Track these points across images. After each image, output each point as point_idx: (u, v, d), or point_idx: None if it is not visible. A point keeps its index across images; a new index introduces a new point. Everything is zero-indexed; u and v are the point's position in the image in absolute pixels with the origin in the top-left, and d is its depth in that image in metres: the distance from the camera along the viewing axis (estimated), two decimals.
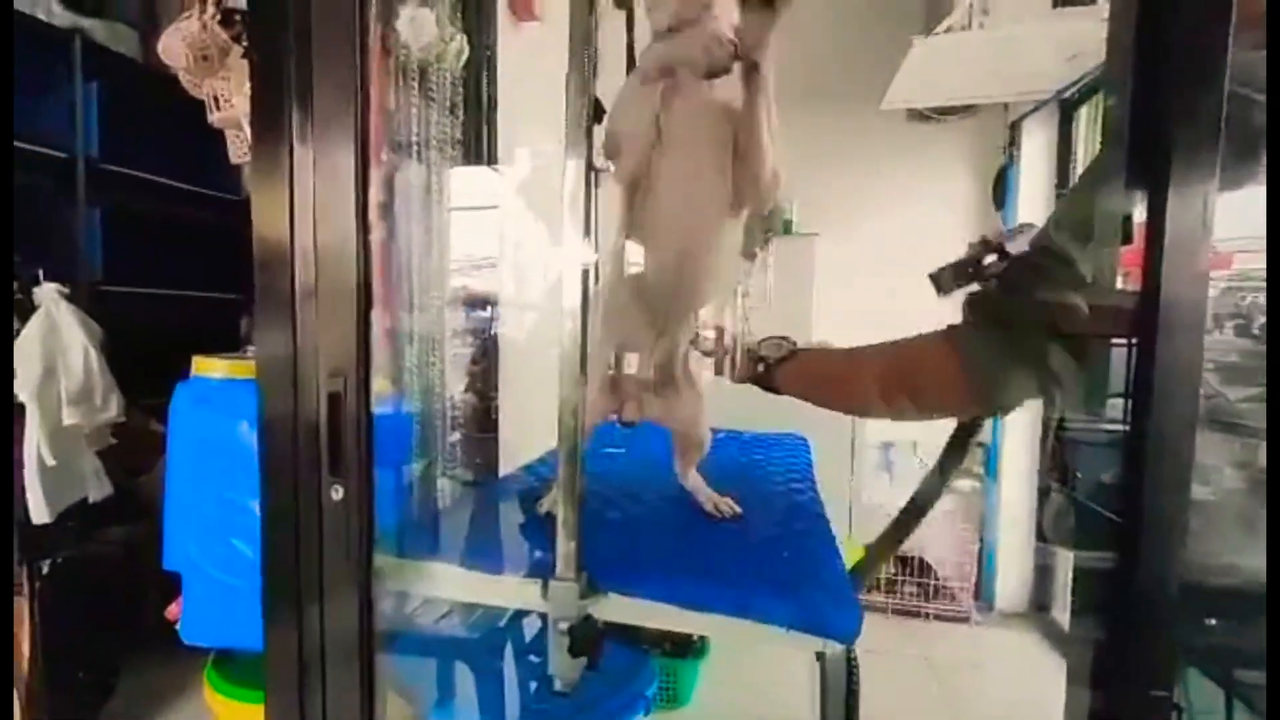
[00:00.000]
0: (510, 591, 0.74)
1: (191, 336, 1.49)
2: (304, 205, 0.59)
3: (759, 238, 2.65)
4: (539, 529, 0.84)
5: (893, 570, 2.62)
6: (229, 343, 1.62)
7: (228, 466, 1.21)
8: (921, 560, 2.65)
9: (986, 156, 2.78)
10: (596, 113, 0.64)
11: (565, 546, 0.66)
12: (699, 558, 0.82)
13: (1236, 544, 0.74)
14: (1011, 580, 2.65)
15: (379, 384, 0.99)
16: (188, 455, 1.29)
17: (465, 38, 0.97)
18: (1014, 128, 2.61)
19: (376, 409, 1.06)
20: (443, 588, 0.78)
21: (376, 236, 1.07)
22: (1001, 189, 2.69)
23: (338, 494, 0.55)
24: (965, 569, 2.64)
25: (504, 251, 1.26)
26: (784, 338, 0.95)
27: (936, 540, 2.61)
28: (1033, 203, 2.53)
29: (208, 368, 1.34)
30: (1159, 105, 0.46)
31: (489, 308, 1.36)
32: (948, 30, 1.89)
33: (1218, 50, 0.46)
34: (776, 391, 0.92)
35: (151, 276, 2.00)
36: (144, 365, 1.56)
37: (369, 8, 0.60)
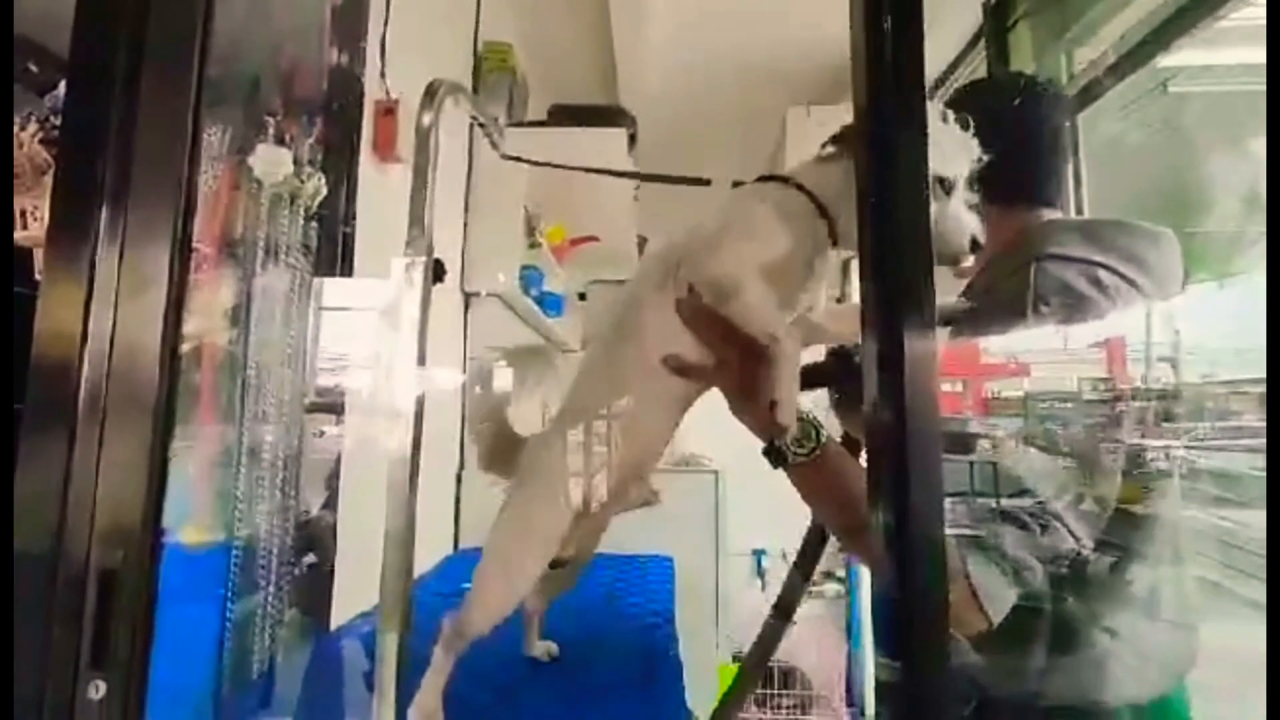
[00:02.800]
0: None
1: None
2: (103, 309, 0.53)
3: None
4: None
5: (767, 686, 2.61)
6: None
7: None
8: (795, 672, 2.67)
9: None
10: (439, 269, 0.68)
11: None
12: (535, 714, 0.78)
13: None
14: None
15: (191, 534, 0.89)
16: None
17: (323, 177, 0.99)
18: (845, 265, 3.02)
19: (192, 550, 0.95)
20: None
21: (209, 355, 1.01)
22: None
23: (97, 691, 0.47)
24: (834, 675, 2.68)
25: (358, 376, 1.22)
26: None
27: (807, 649, 2.66)
28: None
29: None
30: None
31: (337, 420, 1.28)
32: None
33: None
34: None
35: None
36: None
37: (201, 110, 0.59)
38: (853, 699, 2.73)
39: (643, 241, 2.95)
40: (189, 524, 0.89)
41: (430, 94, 0.70)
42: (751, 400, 0.67)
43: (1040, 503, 0.77)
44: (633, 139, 2.15)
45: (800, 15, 2.03)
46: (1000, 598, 0.71)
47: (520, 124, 1.95)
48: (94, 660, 0.47)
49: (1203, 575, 0.87)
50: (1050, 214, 0.83)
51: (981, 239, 0.73)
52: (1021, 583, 0.72)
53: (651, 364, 0.70)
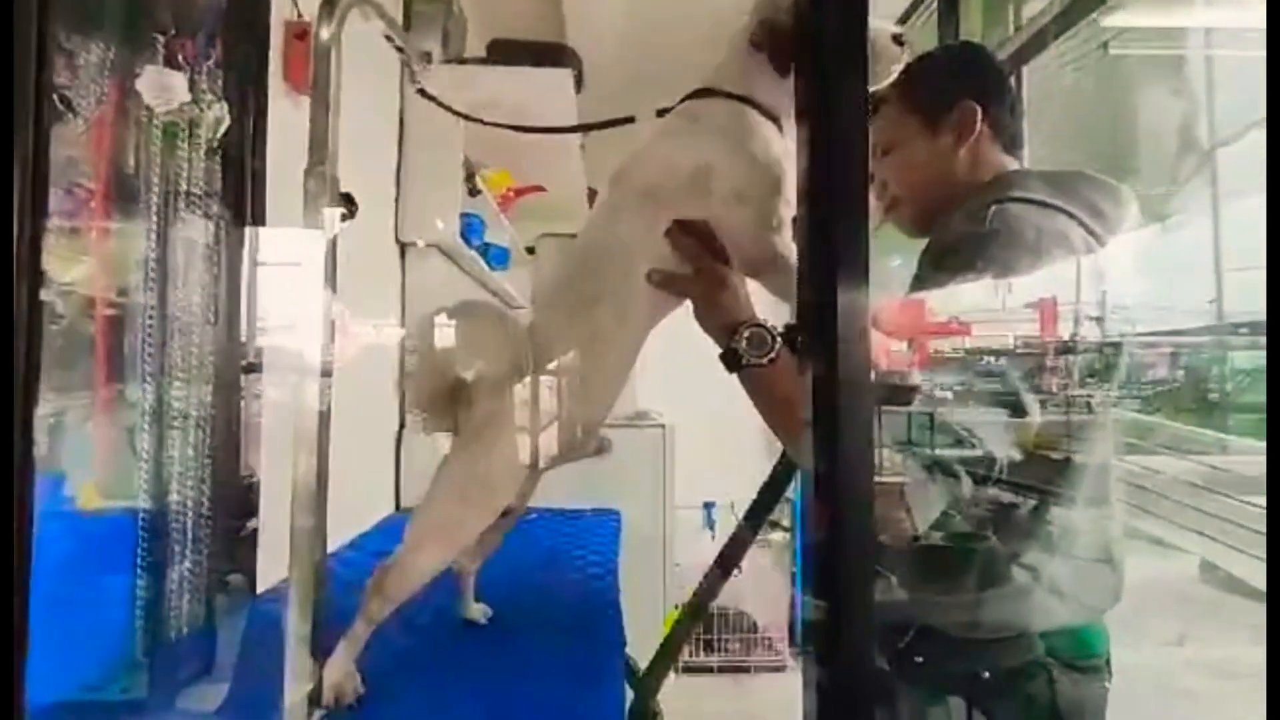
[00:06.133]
0: None
1: None
2: None
3: None
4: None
5: (713, 630, 2.71)
6: None
7: None
8: (740, 615, 2.78)
9: None
10: (348, 202, 0.62)
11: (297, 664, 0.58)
12: (466, 677, 0.77)
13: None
14: None
15: (88, 497, 0.82)
16: None
17: (225, 106, 0.89)
18: None
19: (92, 515, 0.88)
20: None
21: (103, 306, 0.92)
22: None
23: None
24: (779, 619, 2.81)
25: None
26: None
27: (753, 594, 2.76)
28: None
29: None
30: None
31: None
32: None
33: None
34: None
35: None
36: None
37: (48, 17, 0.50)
38: (795, 640, 2.87)
39: (592, 194, 2.85)
40: (90, 486, 0.82)
41: (330, 3, 0.63)
42: (718, 309, 0.74)
43: (971, 447, 0.80)
44: (579, 80, 2.05)
45: None
46: (927, 506, 0.75)
47: (457, 60, 1.82)
48: None
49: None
50: (1012, 162, 0.85)
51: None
52: (949, 490, 0.76)
53: (633, 283, 0.75)
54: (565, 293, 0.81)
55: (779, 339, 0.71)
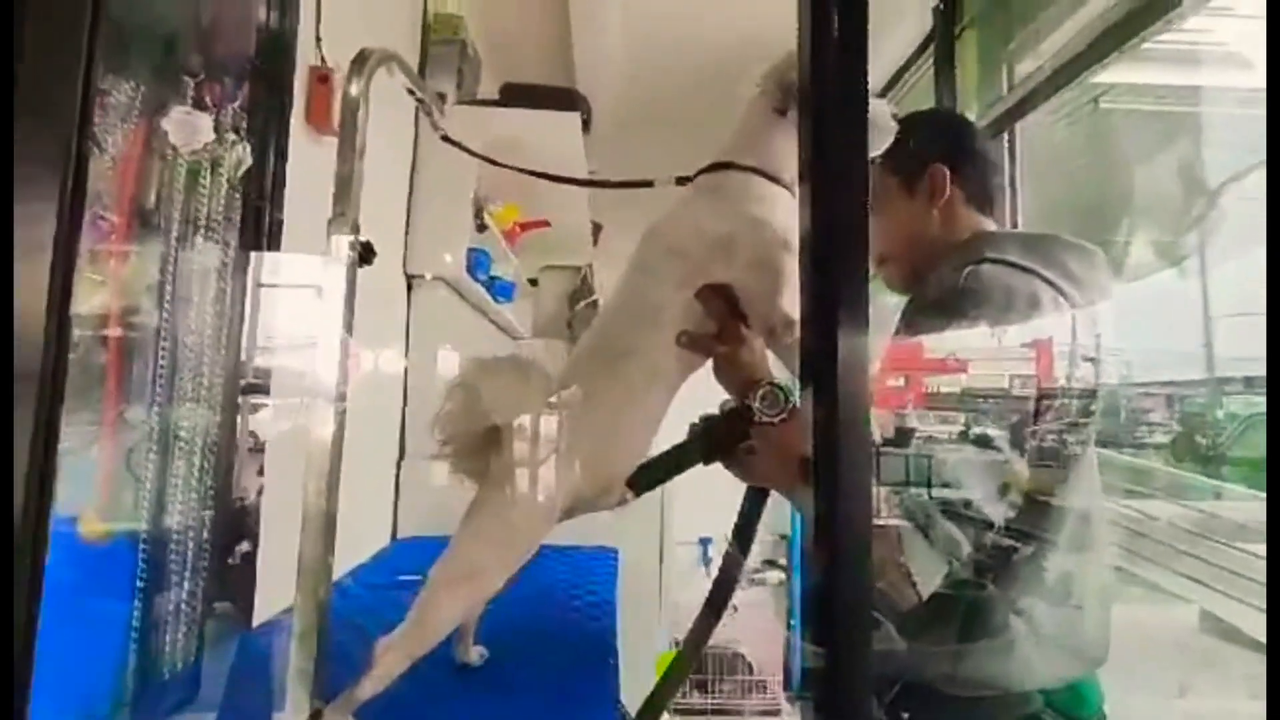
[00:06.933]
0: None
1: None
2: None
3: None
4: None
5: (708, 671, 2.66)
6: None
7: None
8: (736, 656, 2.73)
9: None
10: (367, 250, 0.64)
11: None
12: (461, 717, 0.76)
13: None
14: None
15: (90, 525, 0.83)
16: None
17: (248, 147, 0.93)
18: None
19: (94, 543, 0.88)
20: None
21: (119, 332, 0.94)
22: None
23: None
24: (774, 661, 2.76)
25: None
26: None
27: (748, 634, 2.72)
28: None
29: None
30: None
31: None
32: None
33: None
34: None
35: None
36: None
37: (96, 52, 0.53)
38: (790, 683, 2.81)
39: (597, 228, 2.90)
40: (93, 515, 0.82)
41: (360, 62, 0.66)
42: (736, 367, 0.79)
43: (967, 493, 0.81)
44: (586, 123, 2.12)
45: (761, 4, 2.04)
46: (930, 574, 0.77)
47: (470, 101, 1.89)
48: None
49: (1110, 562, 0.93)
50: (988, 222, 0.89)
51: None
52: (951, 556, 0.77)
53: (663, 341, 0.79)
54: (597, 348, 0.84)
55: (790, 395, 0.76)
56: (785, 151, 0.78)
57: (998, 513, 0.78)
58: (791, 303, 0.76)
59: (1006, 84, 1.62)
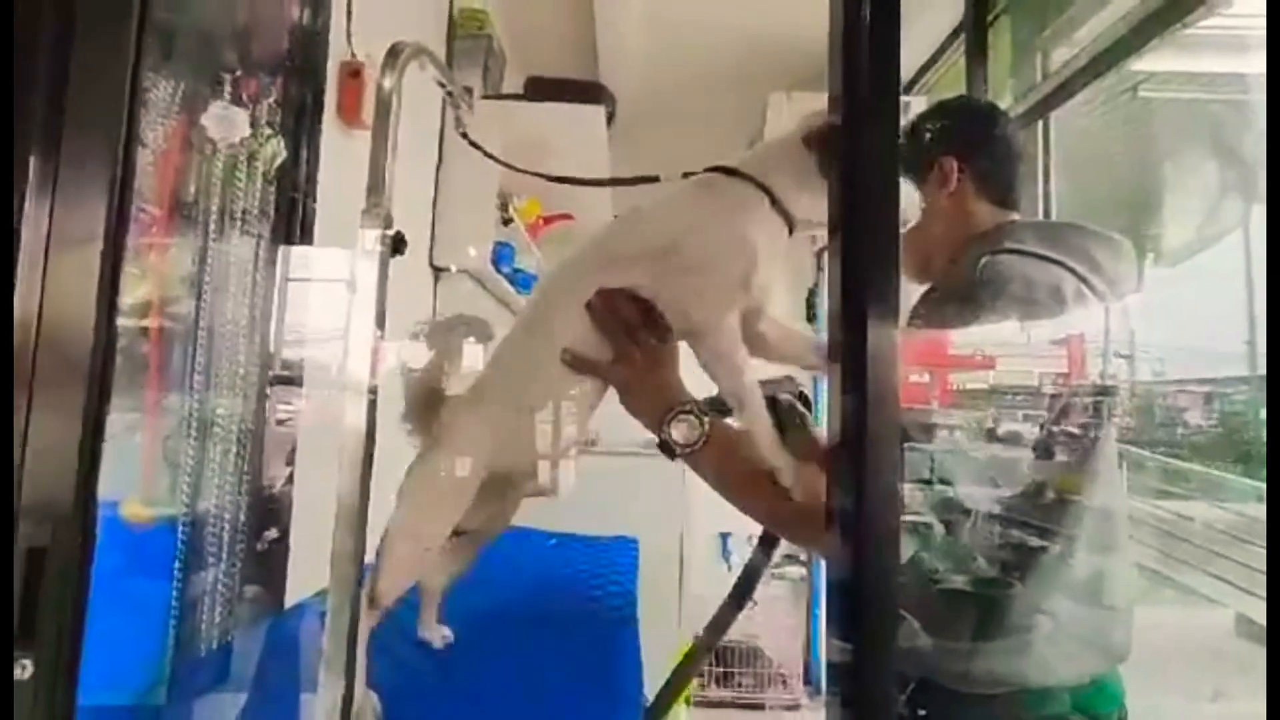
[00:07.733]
0: None
1: None
2: (31, 271, 0.50)
3: None
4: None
5: (728, 664, 2.66)
6: None
7: None
8: (755, 650, 2.73)
9: (799, 275, 3.18)
10: (399, 242, 0.66)
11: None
12: (484, 703, 0.78)
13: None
14: None
15: (137, 510, 0.86)
16: None
17: (282, 140, 0.95)
18: (819, 255, 3.03)
19: (137, 526, 0.91)
20: None
21: (159, 322, 0.97)
22: (812, 307, 3.08)
23: (24, 671, 0.45)
24: (794, 656, 2.75)
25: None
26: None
27: (768, 629, 2.72)
28: None
29: None
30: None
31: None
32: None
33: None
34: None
35: None
36: None
37: (142, 55, 0.55)
38: (810, 678, 2.81)
39: None
40: (135, 499, 0.85)
41: (393, 56, 0.67)
42: (641, 396, 0.72)
43: (990, 490, 0.80)
44: (611, 117, 2.12)
45: None
46: (954, 571, 0.75)
47: (495, 96, 1.90)
48: (21, 639, 0.45)
49: (1141, 563, 0.91)
50: (1005, 214, 0.86)
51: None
52: (975, 553, 0.75)
53: (555, 357, 0.73)
54: (530, 303, 0.83)
55: (706, 417, 0.68)
56: (800, 185, 0.72)
57: (1022, 510, 0.77)
58: (722, 317, 0.70)
59: (1040, 72, 1.58)
